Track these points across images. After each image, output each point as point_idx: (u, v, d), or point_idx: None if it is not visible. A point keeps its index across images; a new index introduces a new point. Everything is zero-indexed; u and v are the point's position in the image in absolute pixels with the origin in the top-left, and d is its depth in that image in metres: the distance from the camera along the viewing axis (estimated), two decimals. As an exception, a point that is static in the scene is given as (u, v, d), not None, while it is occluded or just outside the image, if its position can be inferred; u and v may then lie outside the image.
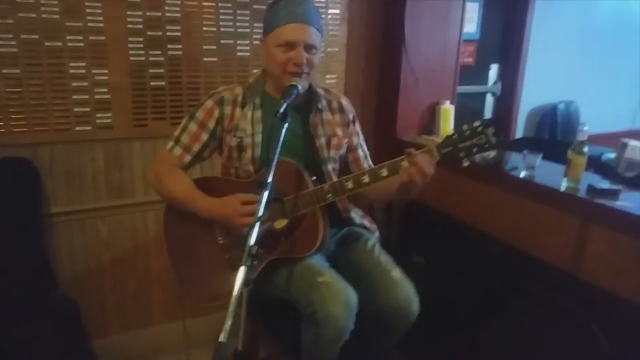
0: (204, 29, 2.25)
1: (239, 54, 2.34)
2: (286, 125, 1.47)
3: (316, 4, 1.69)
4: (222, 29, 2.28)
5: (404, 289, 1.62)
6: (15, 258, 1.98)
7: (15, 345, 1.74)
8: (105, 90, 2.12)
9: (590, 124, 1.90)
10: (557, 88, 3.61)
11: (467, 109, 3.15)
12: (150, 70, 2.18)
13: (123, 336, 2.37)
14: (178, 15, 2.18)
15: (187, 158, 1.69)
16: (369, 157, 1.90)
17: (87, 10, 2.01)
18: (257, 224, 1.28)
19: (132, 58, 2.13)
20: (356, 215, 1.86)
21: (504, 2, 3.13)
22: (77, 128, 2.10)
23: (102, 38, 2.06)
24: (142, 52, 2.15)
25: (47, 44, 1.97)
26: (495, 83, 3.28)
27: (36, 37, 1.95)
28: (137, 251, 2.34)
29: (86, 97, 2.09)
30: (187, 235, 1.70)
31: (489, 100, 3.31)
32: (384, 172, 1.50)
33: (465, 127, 1.43)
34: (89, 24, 2.03)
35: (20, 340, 1.75)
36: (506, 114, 3.33)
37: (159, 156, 1.74)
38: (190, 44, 2.23)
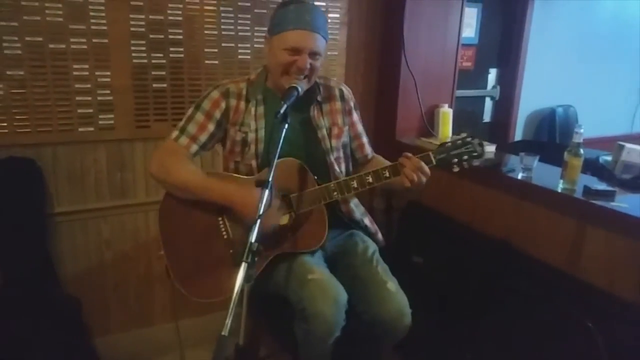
0: (206, 32, 2.28)
1: (240, 57, 2.37)
2: (286, 125, 1.50)
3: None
4: (223, 32, 2.31)
5: (398, 302, 1.62)
6: (19, 257, 2.00)
7: (19, 343, 1.76)
8: (108, 92, 2.14)
9: (589, 127, 1.92)
10: (556, 92, 3.65)
11: (467, 112, 3.18)
12: (153, 73, 2.21)
13: (125, 334, 2.39)
14: (180, 18, 2.21)
15: (194, 148, 1.69)
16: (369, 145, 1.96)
17: (91, 14, 2.04)
18: (258, 222, 1.31)
19: (134, 60, 2.16)
20: (358, 211, 1.87)
21: (503, 7, 3.17)
22: (80, 129, 2.12)
23: (105, 41, 2.09)
24: (145, 54, 2.18)
25: (51, 46, 2.00)
26: (494, 87, 3.31)
27: (40, 39, 1.98)
28: (138, 251, 2.36)
29: (89, 98, 2.11)
30: (187, 228, 1.68)
31: (488, 104, 3.34)
32: (386, 174, 1.60)
33: (456, 137, 1.64)
34: (93, 27, 2.06)
35: (23, 338, 1.77)
36: (505, 118, 3.36)
37: (161, 146, 1.71)
38: (191, 47, 2.26)
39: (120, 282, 2.35)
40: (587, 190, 1.87)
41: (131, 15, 2.11)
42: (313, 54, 1.60)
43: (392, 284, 1.65)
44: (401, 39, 2.58)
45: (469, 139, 1.63)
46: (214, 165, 2.30)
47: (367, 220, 1.89)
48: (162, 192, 1.71)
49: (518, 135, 3.52)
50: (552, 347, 1.79)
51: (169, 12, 2.18)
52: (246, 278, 1.21)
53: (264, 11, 2.35)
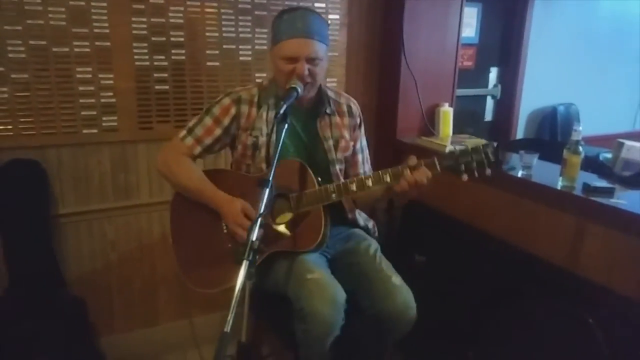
0: (207, 34, 2.30)
1: (241, 58, 2.39)
2: (286, 126, 1.52)
3: (317, 11, 1.74)
4: (224, 35, 2.33)
5: (403, 295, 1.64)
6: (24, 258, 2.03)
7: (25, 342, 1.78)
8: (111, 94, 2.17)
9: (590, 126, 1.92)
10: (557, 91, 3.64)
11: (468, 111, 3.19)
12: (155, 75, 2.23)
13: (129, 334, 2.41)
14: (181, 21, 2.23)
15: (197, 149, 1.75)
16: (368, 162, 1.96)
17: (93, 17, 2.07)
18: (259, 221, 1.33)
19: (137, 63, 2.19)
20: (360, 218, 1.91)
21: (503, 6, 3.17)
22: (84, 131, 2.15)
23: (108, 44, 2.11)
24: (147, 57, 2.20)
25: (54, 49, 2.03)
26: (495, 86, 3.31)
27: (44, 43, 2.00)
28: (142, 251, 2.38)
29: (92, 101, 2.14)
30: (194, 220, 1.76)
31: (490, 102, 3.35)
32: (387, 178, 1.59)
33: (467, 146, 1.55)
34: (95, 30, 2.08)
35: (29, 338, 1.79)
36: (506, 116, 3.36)
37: (168, 144, 1.79)
38: (193, 49, 2.28)
39: (125, 282, 2.38)
40: (586, 188, 1.87)
41: (133, 19, 2.14)
42: (310, 60, 1.63)
43: (397, 278, 1.68)
44: (401, 39, 2.59)
45: (481, 147, 1.52)
46: (215, 164, 2.32)
47: (370, 225, 1.94)
48: (166, 193, 1.75)
49: (520, 134, 3.52)
50: (552, 344, 1.79)
51: (170, 14, 2.20)
52: (247, 276, 1.23)
53: (264, 13, 2.37)
